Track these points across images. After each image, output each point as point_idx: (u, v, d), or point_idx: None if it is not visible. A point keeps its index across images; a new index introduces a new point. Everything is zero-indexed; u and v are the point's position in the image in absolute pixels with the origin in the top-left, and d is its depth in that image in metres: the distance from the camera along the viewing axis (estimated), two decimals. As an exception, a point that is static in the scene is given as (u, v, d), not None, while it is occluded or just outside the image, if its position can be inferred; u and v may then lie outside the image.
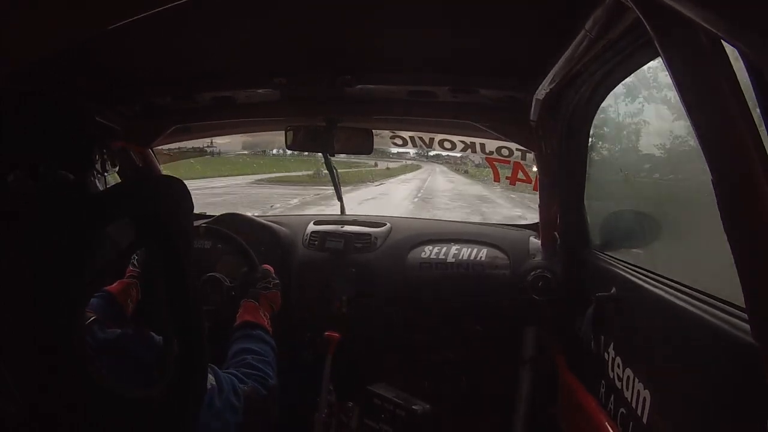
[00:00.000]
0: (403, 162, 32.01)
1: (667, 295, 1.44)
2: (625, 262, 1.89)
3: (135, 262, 2.14)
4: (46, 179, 1.09)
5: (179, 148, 3.88)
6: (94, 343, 1.11)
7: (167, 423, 1.11)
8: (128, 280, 2.08)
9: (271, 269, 2.21)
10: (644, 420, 1.51)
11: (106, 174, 1.27)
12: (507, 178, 3.11)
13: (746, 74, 0.87)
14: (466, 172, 30.31)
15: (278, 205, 15.07)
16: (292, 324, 2.61)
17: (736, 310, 1.14)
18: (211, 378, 1.35)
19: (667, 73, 1.00)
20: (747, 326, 1.02)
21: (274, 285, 2.13)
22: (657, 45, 1.00)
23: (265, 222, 2.95)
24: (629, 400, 1.62)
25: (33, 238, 0.94)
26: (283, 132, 2.64)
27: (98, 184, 1.23)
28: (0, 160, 1.06)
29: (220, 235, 2.47)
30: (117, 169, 2.66)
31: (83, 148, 1.22)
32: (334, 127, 2.56)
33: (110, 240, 1.04)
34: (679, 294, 1.39)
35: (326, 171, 3.15)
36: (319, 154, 2.90)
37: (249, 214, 3.09)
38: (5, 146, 1.08)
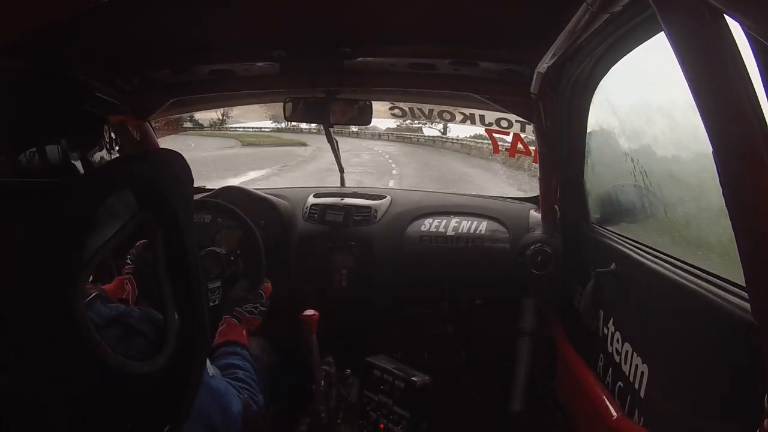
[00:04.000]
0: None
1: (666, 272, 1.44)
2: (625, 237, 1.89)
3: (129, 260, 2.13)
4: (55, 156, 1.10)
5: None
6: (96, 318, 1.12)
7: (167, 396, 1.12)
8: (123, 276, 2.07)
9: (268, 290, 2.15)
10: (642, 394, 1.53)
11: (112, 151, 1.27)
12: (506, 150, 3.10)
13: (749, 48, 0.87)
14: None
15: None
16: (293, 297, 2.63)
17: (737, 289, 1.14)
18: (212, 367, 1.37)
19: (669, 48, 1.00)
20: (747, 305, 1.03)
21: (260, 312, 2.05)
22: (659, 19, 0.99)
23: (264, 195, 2.95)
24: (627, 374, 1.64)
25: (35, 211, 0.95)
26: (282, 104, 2.63)
27: (106, 158, 1.24)
28: (10, 139, 1.07)
29: (227, 211, 2.46)
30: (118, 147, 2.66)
31: (92, 125, 1.22)
32: (332, 98, 2.54)
33: (111, 212, 1.04)
34: (679, 271, 1.39)
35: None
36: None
37: (248, 186, 3.09)
38: (14, 125, 1.08)
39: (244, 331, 1.92)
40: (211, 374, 1.36)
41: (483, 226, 2.75)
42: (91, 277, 1.36)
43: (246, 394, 1.57)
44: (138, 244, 2.01)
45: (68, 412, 1.00)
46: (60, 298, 0.94)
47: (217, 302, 2.14)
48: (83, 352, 0.97)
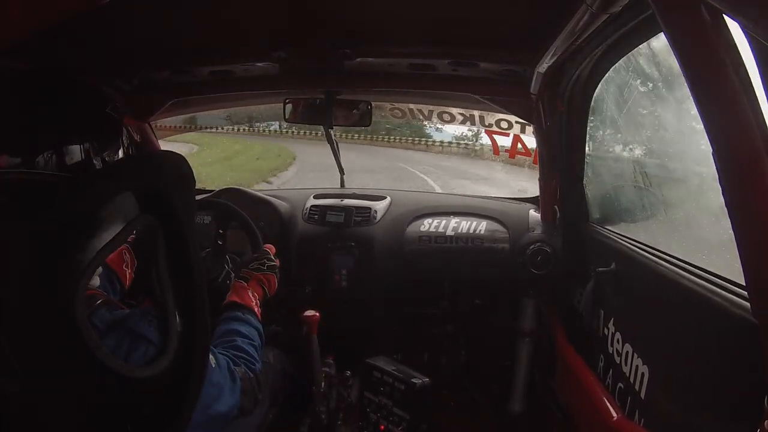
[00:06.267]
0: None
1: (667, 272, 1.44)
2: (626, 237, 1.88)
3: None
4: (72, 159, 1.11)
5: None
6: (99, 324, 1.11)
7: (168, 399, 1.12)
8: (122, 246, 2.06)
9: (272, 249, 2.14)
10: (642, 395, 1.53)
11: (130, 152, 1.28)
12: (506, 151, 3.10)
13: (748, 48, 0.87)
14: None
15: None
16: (293, 298, 2.63)
17: (737, 288, 1.14)
18: (211, 357, 1.37)
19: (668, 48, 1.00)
20: (747, 305, 1.03)
21: (268, 267, 2.02)
22: (659, 19, 0.99)
23: (264, 196, 2.94)
24: (628, 375, 1.64)
25: (35, 210, 0.95)
26: (282, 104, 2.63)
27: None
28: (30, 141, 1.08)
29: (227, 210, 2.46)
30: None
31: (113, 127, 1.23)
32: (332, 99, 2.54)
33: (113, 215, 1.04)
34: (679, 270, 1.39)
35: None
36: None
37: (247, 188, 3.09)
38: (35, 127, 1.09)
39: (249, 292, 1.88)
40: (213, 365, 1.36)
41: (483, 226, 2.75)
42: (98, 282, 1.37)
43: (242, 364, 1.56)
44: None
45: (68, 414, 1.00)
46: (60, 298, 0.94)
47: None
48: (83, 354, 0.96)
